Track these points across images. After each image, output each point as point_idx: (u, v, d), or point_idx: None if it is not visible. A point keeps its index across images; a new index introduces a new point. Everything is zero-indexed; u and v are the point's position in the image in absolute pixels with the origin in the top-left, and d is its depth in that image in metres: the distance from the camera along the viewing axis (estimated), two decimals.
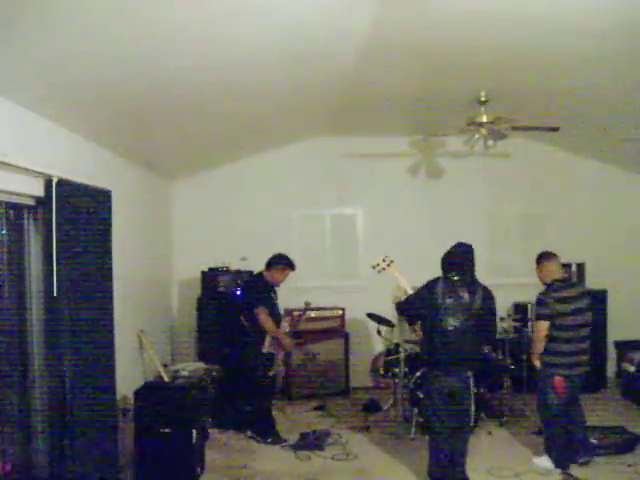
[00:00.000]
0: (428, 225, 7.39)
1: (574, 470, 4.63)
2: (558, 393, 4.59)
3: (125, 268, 4.78)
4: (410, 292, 4.75)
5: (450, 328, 4.28)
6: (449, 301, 4.29)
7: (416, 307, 4.47)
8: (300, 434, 5.49)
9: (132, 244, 5.34)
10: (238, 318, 5.57)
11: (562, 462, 4.67)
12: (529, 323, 7.03)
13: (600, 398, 6.69)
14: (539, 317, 4.68)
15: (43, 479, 3.65)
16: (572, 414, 4.75)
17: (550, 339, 4.63)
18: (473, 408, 4.42)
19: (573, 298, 4.67)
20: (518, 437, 5.46)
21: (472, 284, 4.38)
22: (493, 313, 4.47)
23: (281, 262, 5.57)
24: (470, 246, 4.46)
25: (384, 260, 5.01)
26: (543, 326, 4.63)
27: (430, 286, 4.41)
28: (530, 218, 7.68)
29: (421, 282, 4.63)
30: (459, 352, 4.28)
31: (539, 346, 4.69)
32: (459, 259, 4.41)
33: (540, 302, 4.68)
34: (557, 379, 4.58)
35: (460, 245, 4.47)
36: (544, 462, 4.75)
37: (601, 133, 6.44)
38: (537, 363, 4.77)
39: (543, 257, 4.85)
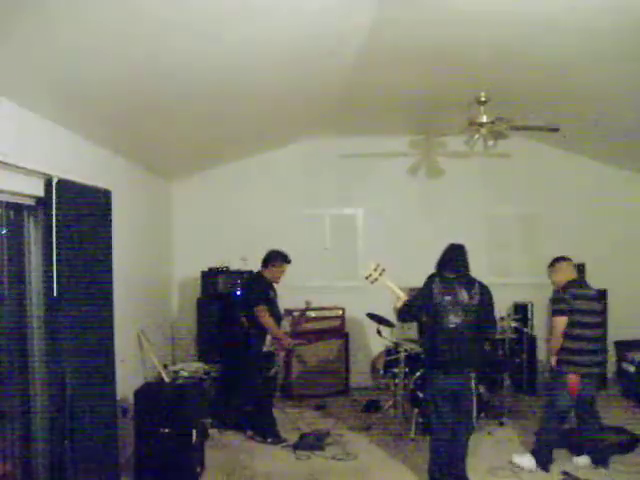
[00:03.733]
0: (428, 225, 7.39)
1: (575, 470, 4.63)
2: (571, 393, 4.56)
3: (125, 268, 4.78)
4: (406, 299, 4.71)
5: (452, 326, 4.29)
6: (447, 299, 4.31)
7: (417, 309, 4.47)
8: (300, 434, 5.49)
9: (132, 244, 5.34)
10: (238, 318, 5.57)
11: (545, 462, 4.66)
12: (529, 322, 7.05)
13: (600, 398, 6.68)
14: (556, 312, 4.67)
15: (43, 479, 3.65)
16: (585, 416, 4.75)
17: (567, 337, 4.61)
18: (474, 408, 4.42)
19: (589, 298, 4.69)
20: (518, 437, 5.45)
21: (468, 281, 4.41)
22: (492, 308, 4.50)
23: (276, 258, 5.57)
24: (462, 245, 4.53)
25: (375, 269, 4.81)
26: (560, 322, 4.61)
27: (427, 286, 4.43)
28: (530, 218, 7.67)
29: (420, 282, 4.63)
30: (461, 349, 4.28)
31: (556, 343, 4.66)
32: (453, 258, 4.47)
33: (557, 298, 4.69)
34: (572, 378, 4.54)
35: (453, 245, 4.54)
36: (526, 461, 4.72)
37: (601, 133, 6.44)
38: (554, 361, 4.72)
39: (557, 260, 4.86)
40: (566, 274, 4.78)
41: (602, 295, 5.01)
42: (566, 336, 4.61)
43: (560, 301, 4.66)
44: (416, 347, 5.86)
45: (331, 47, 4.04)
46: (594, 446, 4.75)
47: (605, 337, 4.75)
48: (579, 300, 4.62)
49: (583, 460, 4.77)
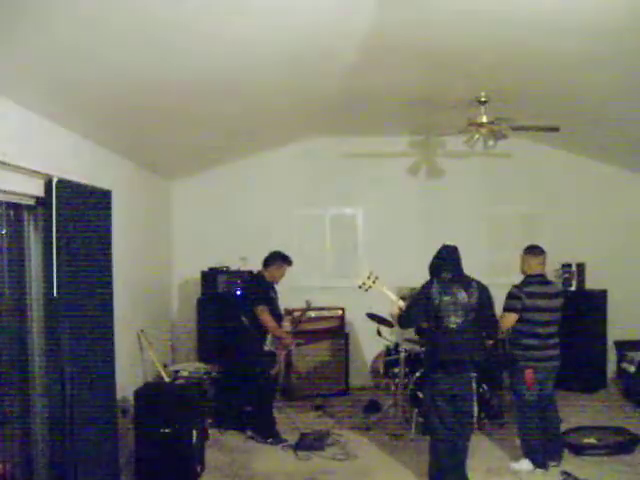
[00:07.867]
0: (428, 225, 7.38)
1: (574, 470, 4.62)
2: (529, 386, 4.60)
3: (125, 268, 4.78)
4: (401, 304, 4.75)
5: (453, 326, 4.28)
6: (446, 299, 4.30)
7: (415, 314, 4.46)
8: (300, 434, 5.49)
9: (132, 244, 5.34)
10: (239, 318, 5.57)
11: (541, 462, 4.64)
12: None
13: (600, 398, 6.70)
14: (506, 309, 4.69)
15: (43, 479, 3.65)
16: (546, 414, 4.74)
17: (521, 334, 4.67)
18: (475, 409, 4.42)
19: (541, 295, 4.69)
20: (518, 437, 5.44)
21: (465, 281, 4.41)
22: (492, 306, 4.51)
23: (276, 259, 5.59)
24: (455, 247, 4.52)
25: (369, 277, 4.95)
26: (511, 318, 4.66)
27: (425, 290, 4.41)
28: (530, 218, 7.66)
29: (420, 282, 4.63)
30: (464, 350, 4.28)
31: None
32: (447, 259, 4.46)
33: (512, 295, 4.70)
34: (527, 372, 4.59)
35: (445, 247, 4.53)
36: (523, 465, 4.69)
37: (601, 133, 6.44)
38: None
39: (529, 250, 4.85)
40: (529, 266, 4.77)
41: (562, 293, 4.99)
42: (521, 333, 4.67)
43: (513, 298, 4.66)
44: (416, 347, 5.86)
45: (331, 47, 4.04)
46: (545, 445, 4.69)
47: (559, 334, 4.77)
48: (532, 299, 4.63)
49: (521, 465, 4.70)
